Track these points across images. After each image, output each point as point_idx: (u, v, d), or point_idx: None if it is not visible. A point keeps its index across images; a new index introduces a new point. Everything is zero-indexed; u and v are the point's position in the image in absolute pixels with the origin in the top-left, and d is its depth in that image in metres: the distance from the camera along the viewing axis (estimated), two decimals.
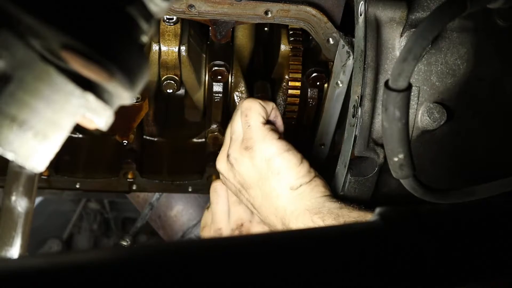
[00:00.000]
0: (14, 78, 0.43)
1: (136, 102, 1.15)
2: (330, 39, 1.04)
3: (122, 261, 0.37)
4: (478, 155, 0.98)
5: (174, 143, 1.36)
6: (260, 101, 1.02)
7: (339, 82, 1.06)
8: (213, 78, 1.18)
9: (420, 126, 0.92)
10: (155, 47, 1.16)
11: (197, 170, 1.31)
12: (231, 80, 1.23)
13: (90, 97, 0.44)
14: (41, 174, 1.19)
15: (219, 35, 1.08)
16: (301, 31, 1.18)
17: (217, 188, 1.14)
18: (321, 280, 0.39)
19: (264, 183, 0.98)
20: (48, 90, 0.44)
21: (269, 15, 1.01)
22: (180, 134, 1.37)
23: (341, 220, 0.89)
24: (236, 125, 1.04)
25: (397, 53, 0.91)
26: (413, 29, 0.89)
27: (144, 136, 1.34)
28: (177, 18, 1.12)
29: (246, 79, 1.24)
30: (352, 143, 0.92)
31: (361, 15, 0.92)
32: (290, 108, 1.21)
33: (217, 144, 1.24)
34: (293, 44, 1.18)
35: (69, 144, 1.15)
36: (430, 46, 0.89)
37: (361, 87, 0.90)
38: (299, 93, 1.19)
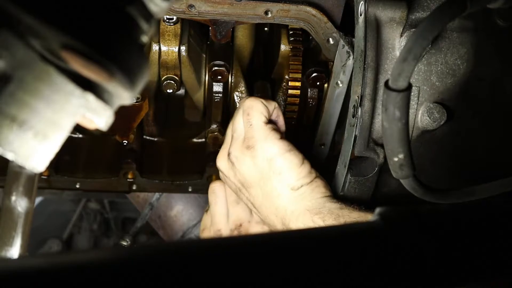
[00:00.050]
0: (14, 78, 0.43)
1: (136, 102, 1.15)
2: (330, 39, 1.04)
3: (122, 261, 0.37)
4: (478, 155, 0.98)
5: (174, 143, 1.36)
6: (263, 100, 1.01)
7: (339, 82, 1.06)
8: (213, 78, 1.18)
9: (420, 126, 0.92)
10: (155, 47, 1.16)
11: (197, 170, 1.31)
12: (231, 80, 1.23)
13: (90, 97, 0.44)
14: (41, 174, 1.19)
15: (219, 35, 1.08)
16: (301, 31, 1.18)
17: (215, 189, 1.14)
18: (321, 280, 0.39)
19: (265, 182, 0.98)
20: (48, 90, 0.44)
21: (269, 15, 1.01)
22: (180, 134, 1.37)
23: (341, 221, 0.89)
24: (238, 124, 1.03)
25: (397, 53, 0.91)
26: (413, 29, 0.89)
27: (144, 136, 1.34)
28: (177, 18, 1.12)
29: (246, 79, 1.24)
30: (352, 143, 0.92)
31: (361, 15, 0.92)
32: (290, 108, 1.21)
33: (217, 144, 1.24)
34: (293, 44, 1.18)
35: (69, 144, 1.15)
36: (430, 46, 0.89)
37: (361, 87, 0.90)
38: (299, 93, 1.19)
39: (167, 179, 1.30)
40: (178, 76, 1.20)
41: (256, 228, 1.10)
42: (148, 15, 0.45)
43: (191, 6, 0.99)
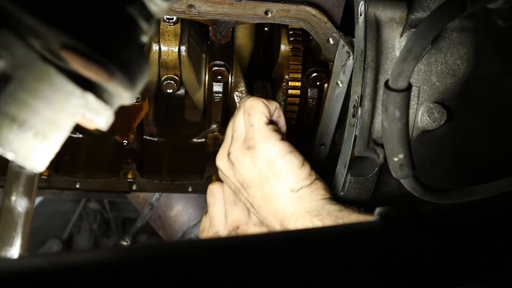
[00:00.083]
0: (14, 78, 0.43)
1: (136, 102, 1.15)
2: (330, 39, 1.04)
3: (122, 261, 0.37)
4: (478, 155, 0.98)
5: (174, 143, 1.36)
6: (264, 100, 1.01)
7: (339, 82, 1.06)
8: (213, 78, 1.18)
9: (420, 126, 0.92)
10: (155, 47, 1.16)
11: (197, 170, 1.31)
12: (231, 80, 1.23)
13: (90, 97, 0.44)
14: (41, 174, 1.19)
15: (219, 35, 1.08)
16: (301, 31, 1.18)
17: (213, 190, 1.14)
18: (321, 280, 0.39)
19: (264, 184, 0.98)
20: (48, 90, 0.44)
21: (269, 15, 1.01)
22: (180, 134, 1.37)
23: (340, 223, 0.89)
24: (238, 123, 1.03)
25: (397, 53, 0.91)
26: (413, 29, 0.89)
27: (144, 136, 1.34)
28: (177, 18, 1.11)
29: (246, 79, 1.24)
30: (352, 143, 0.92)
31: (361, 15, 0.92)
32: (290, 108, 1.21)
33: (217, 144, 1.24)
34: (293, 44, 1.18)
35: (69, 144, 1.15)
36: (430, 46, 0.89)
37: (361, 87, 0.90)
38: (299, 93, 1.19)
39: (167, 179, 1.30)
40: (178, 76, 1.20)
41: (254, 230, 1.10)
42: (148, 15, 0.45)
43: (191, 6, 0.99)
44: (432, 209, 0.47)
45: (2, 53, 0.42)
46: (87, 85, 0.44)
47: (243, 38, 1.24)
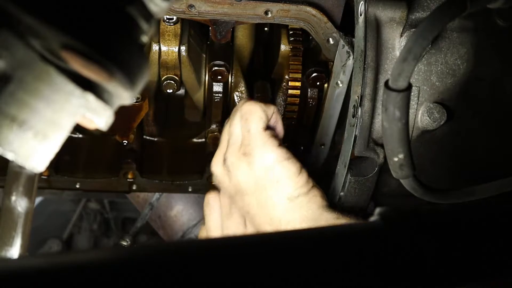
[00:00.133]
0: (14, 78, 0.43)
1: (136, 102, 1.15)
2: (330, 39, 1.04)
3: (122, 261, 0.37)
4: (478, 155, 0.98)
5: (174, 143, 1.36)
6: (262, 104, 0.99)
7: (339, 82, 1.06)
8: (213, 78, 1.18)
9: (420, 126, 0.92)
10: (155, 47, 1.16)
11: (197, 170, 1.31)
12: (231, 80, 1.23)
13: (90, 97, 0.44)
14: (41, 174, 1.19)
15: (219, 35, 1.08)
16: (301, 31, 1.18)
17: (210, 200, 1.10)
18: (321, 280, 0.39)
19: (260, 191, 0.96)
20: (48, 90, 0.44)
21: (269, 15, 1.01)
22: (180, 134, 1.37)
23: None
24: (235, 128, 1.00)
25: (397, 53, 0.91)
26: (413, 29, 0.89)
27: (144, 136, 1.34)
28: (177, 18, 1.12)
29: (246, 79, 1.24)
30: (352, 143, 0.92)
31: (361, 15, 0.92)
32: (290, 108, 1.21)
33: (217, 144, 1.23)
34: (293, 44, 1.18)
35: (69, 144, 1.15)
36: (430, 46, 0.89)
37: (361, 87, 0.90)
38: (299, 93, 1.19)
39: (167, 179, 1.30)
40: (178, 76, 1.20)
41: None
42: (148, 15, 0.45)
43: (191, 6, 0.99)
44: (432, 209, 0.47)
45: (2, 53, 0.42)
46: (87, 85, 0.44)
47: (243, 38, 1.24)
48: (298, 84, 1.18)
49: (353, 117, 0.93)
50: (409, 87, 0.71)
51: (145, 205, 1.45)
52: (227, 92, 1.23)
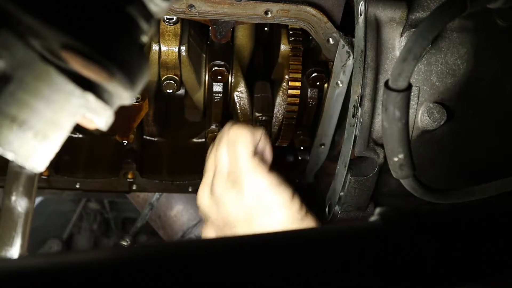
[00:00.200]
0: (14, 78, 0.43)
1: (136, 102, 1.15)
2: (330, 39, 1.03)
3: (122, 261, 0.37)
4: (478, 155, 0.98)
5: (174, 143, 1.36)
6: (249, 128, 0.94)
7: (339, 82, 1.06)
8: (213, 78, 1.18)
9: (420, 126, 0.92)
10: (155, 47, 1.16)
11: (197, 170, 1.30)
12: (231, 80, 1.23)
13: (90, 97, 0.44)
14: (41, 174, 1.19)
15: (219, 35, 1.08)
16: (301, 31, 1.18)
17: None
18: (321, 280, 0.39)
19: (252, 221, 0.91)
20: (48, 90, 0.44)
21: (269, 15, 1.00)
22: (180, 134, 1.37)
23: None
24: (221, 155, 0.95)
25: (397, 53, 0.91)
26: (413, 29, 0.89)
27: (144, 136, 1.34)
28: (177, 18, 1.11)
29: (246, 79, 1.24)
30: (352, 143, 0.92)
31: (361, 15, 0.92)
32: (290, 108, 1.21)
33: None
34: (293, 44, 1.18)
35: (69, 144, 1.15)
36: (430, 46, 0.89)
37: (361, 87, 0.90)
38: (299, 93, 1.19)
39: (167, 179, 1.30)
40: (178, 76, 1.20)
41: None
42: (148, 15, 0.45)
43: (191, 6, 0.99)
44: (432, 209, 0.47)
45: (2, 53, 0.42)
46: (87, 85, 0.44)
47: (243, 38, 1.24)
48: (298, 84, 1.18)
49: (353, 117, 0.92)
50: (409, 87, 0.71)
51: (145, 205, 1.45)
52: (227, 92, 1.23)
